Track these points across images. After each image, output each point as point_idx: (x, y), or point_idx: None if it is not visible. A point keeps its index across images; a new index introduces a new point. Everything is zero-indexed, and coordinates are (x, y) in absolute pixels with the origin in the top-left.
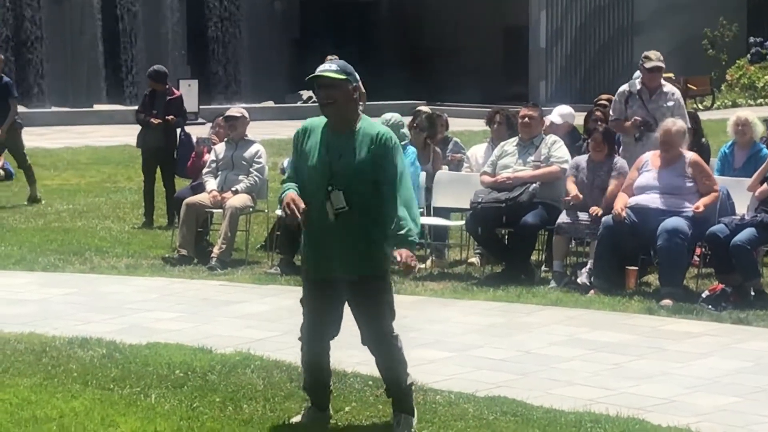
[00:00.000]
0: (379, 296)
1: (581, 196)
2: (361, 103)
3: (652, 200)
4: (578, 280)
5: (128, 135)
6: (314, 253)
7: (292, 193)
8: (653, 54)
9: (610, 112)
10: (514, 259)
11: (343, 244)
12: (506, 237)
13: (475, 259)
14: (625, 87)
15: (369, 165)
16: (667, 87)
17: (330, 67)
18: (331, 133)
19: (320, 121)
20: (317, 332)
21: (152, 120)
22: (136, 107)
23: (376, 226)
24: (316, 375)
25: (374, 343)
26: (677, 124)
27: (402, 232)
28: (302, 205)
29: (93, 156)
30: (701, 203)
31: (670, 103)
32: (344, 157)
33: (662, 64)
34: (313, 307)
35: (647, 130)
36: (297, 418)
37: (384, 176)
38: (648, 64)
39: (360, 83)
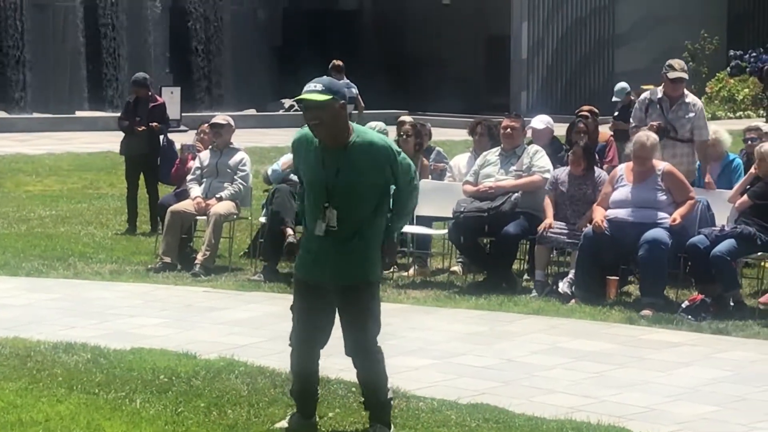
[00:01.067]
0: (366, 305)
1: (554, 225)
2: (356, 112)
3: (628, 215)
4: (559, 290)
5: (110, 141)
6: (309, 259)
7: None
8: (677, 64)
9: (631, 120)
10: (496, 268)
11: (337, 252)
12: (488, 246)
13: (457, 268)
14: (646, 95)
15: (371, 175)
16: (690, 98)
17: (315, 88)
18: (325, 148)
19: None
20: (307, 338)
21: (137, 126)
22: (118, 114)
23: (371, 236)
24: (304, 382)
25: (357, 352)
26: (651, 138)
27: (396, 229)
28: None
29: (75, 162)
30: (677, 214)
31: (691, 114)
32: (341, 173)
33: (686, 75)
34: (303, 312)
35: (664, 137)
36: (282, 424)
37: (395, 179)
38: (671, 75)
39: (358, 95)
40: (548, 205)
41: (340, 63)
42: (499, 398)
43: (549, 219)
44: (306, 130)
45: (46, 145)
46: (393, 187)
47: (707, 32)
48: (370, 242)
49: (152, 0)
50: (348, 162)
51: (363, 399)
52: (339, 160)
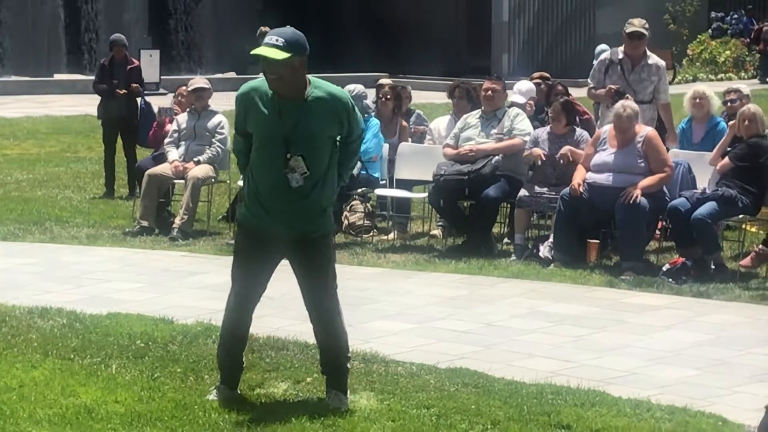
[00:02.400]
0: (324, 257)
1: (542, 154)
2: None
3: (607, 179)
4: (540, 254)
5: (89, 105)
6: (260, 211)
7: None
8: (637, 20)
9: (588, 80)
10: (476, 231)
11: (292, 206)
12: (468, 209)
13: (437, 232)
14: (606, 55)
15: (329, 127)
16: (653, 59)
17: (276, 43)
18: (281, 101)
19: (264, 84)
20: (246, 294)
21: (117, 90)
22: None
23: (325, 188)
24: (234, 344)
25: (317, 306)
26: (627, 108)
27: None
28: None
29: (53, 126)
30: (638, 186)
31: (654, 78)
32: (301, 124)
33: (645, 32)
34: (248, 265)
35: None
36: (210, 397)
37: (351, 133)
38: (629, 29)
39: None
40: (528, 152)
41: (266, 29)
42: (479, 363)
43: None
44: (253, 83)
45: (24, 108)
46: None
47: None
48: (327, 194)
49: None
50: (307, 113)
51: (321, 363)
52: (297, 112)
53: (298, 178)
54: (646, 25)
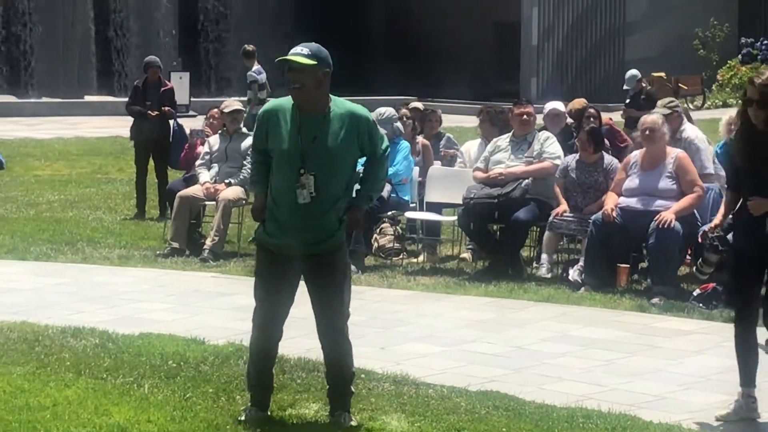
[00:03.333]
0: (336, 272)
1: (568, 209)
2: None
3: (639, 203)
4: (570, 278)
5: (119, 126)
6: (275, 228)
7: (261, 202)
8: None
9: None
10: (505, 253)
11: (306, 224)
12: (498, 233)
13: (467, 255)
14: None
15: (347, 144)
16: (687, 131)
17: (302, 51)
18: (302, 116)
19: (288, 102)
20: (268, 312)
21: (150, 111)
22: (126, 99)
23: (337, 207)
24: (263, 364)
25: (326, 323)
26: (652, 116)
27: (370, 195)
28: None
29: (84, 147)
30: (670, 211)
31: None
32: (318, 139)
33: (669, 110)
34: (270, 283)
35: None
36: (242, 418)
37: (370, 146)
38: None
39: (266, 81)
40: (559, 191)
41: (250, 48)
42: (509, 386)
43: (563, 205)
44: (276, 102)
45: (54, 129)
46: (364, 158)
47: (718, 20)
48: (339, 209)
49: None
50: (326, 129)
51: (326, 380)
52: (317, 128)
53: (305, 195)
54: (672, 103)
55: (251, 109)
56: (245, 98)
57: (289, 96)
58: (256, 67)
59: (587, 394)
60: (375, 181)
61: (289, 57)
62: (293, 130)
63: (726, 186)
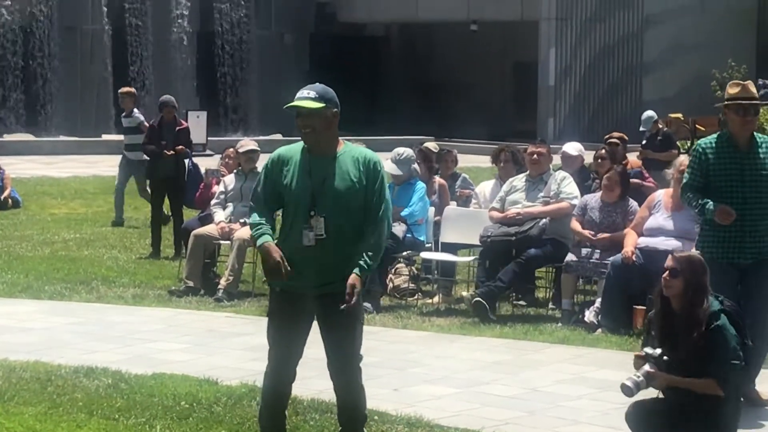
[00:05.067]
0: (350, 316)
1: (588, 234)
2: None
3: (663, 244)
4: (585, 319)
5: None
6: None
7: (270, 245)
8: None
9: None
10: (517, 285)
11: (318, 264)
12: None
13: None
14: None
15: (356, 188)
16: None
17: (308, 95)
18: (312, 158)
19: (296, 147)
20: (280, 356)
21: (165, 150)
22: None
23: (353, 247)
24: (275, 406)
25: (339, 367)
26: (686, 157)
27: (369, 264)
28: (284, 263)
29: (100, 185)
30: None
31: None
32: (328, 181)
33: None
34: (281, 321)
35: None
36: None
37: (375, 203)
38: None
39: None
40: (576, 226)
41: (129, 90)
42: (523, 428)
43: (583, 232)
44: (281, 150)
45: (71, 167)
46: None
47: (735, 61)
48: (354, 249)
49: (179, 24)
50: (336, 170)
51: (339, 421)
52: (327, 169)
53: (311, 238)
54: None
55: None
56: (263, 137)
57: (298, 141)
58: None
59: None
60: (375, 249)
61: (296, 104)
62: (303, 172)
63: None
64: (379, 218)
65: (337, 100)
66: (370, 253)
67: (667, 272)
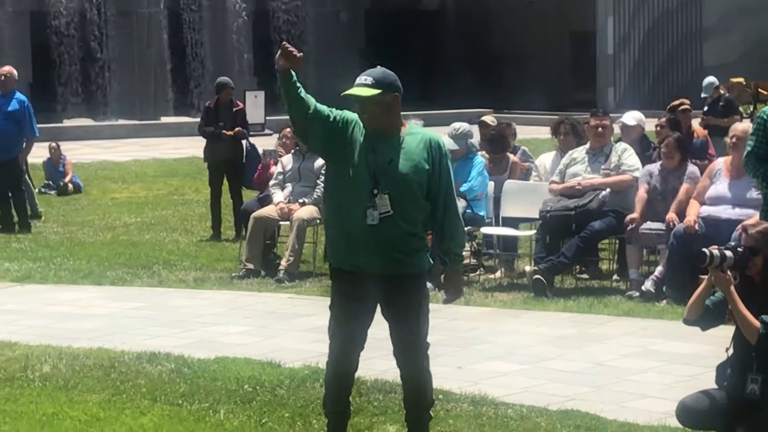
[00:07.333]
0: (414, 298)
1: (639, 218)
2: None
3: (724, 212)
4: (643, 287)
5: (195, 147)
6: (348, 252)
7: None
8: None
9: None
10: (580, 261)
11: (381, 246)
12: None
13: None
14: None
15: (421, 169)
16: None
17: (365, 81)
18: (376, 138)
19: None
20: (344, 338)
21: (224, 132)
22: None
23: (415, 227)
24: (338, 392)
25: (405, 351)
26: (743, 124)
27: (457, 252)
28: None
29: (160, 168)
30: (754, 219)
31: None
32: (393, 161)
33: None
34: (341, 312)
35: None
36: None
37: (441, 184)
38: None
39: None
40: (640, 199)
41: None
42: (590, 404)
43: (635, 213)
44: (357, 118)
45: (131, 151)
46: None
47: None
48: (418, 232)
49: (235, 5)
50: (401, 151)
51: (404, 407)
52: (393, 149)
53: (375, 216)
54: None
55: None
56: None
57: None
58: None
59: (670, 412)
60: (456, 236)
61: (351, 92)
62: (367, 148)
63: None
64: (449, 201)
65: (398, 83)
66: (453, 241)
67: (747, 251)
